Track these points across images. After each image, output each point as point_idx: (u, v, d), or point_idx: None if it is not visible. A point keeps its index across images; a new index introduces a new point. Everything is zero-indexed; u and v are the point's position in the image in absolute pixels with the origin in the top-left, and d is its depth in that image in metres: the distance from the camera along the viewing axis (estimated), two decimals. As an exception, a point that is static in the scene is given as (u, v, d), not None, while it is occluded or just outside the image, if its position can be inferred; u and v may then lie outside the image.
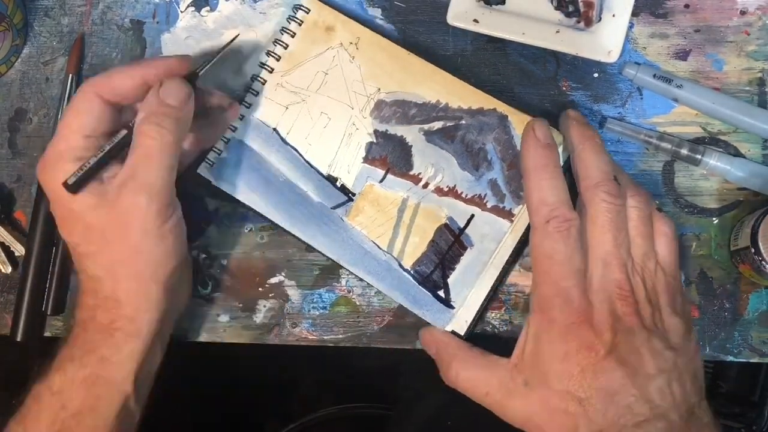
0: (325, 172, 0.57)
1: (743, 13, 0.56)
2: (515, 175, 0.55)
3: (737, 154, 0.55)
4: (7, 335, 0.58)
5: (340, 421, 0.83)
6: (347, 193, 0.56)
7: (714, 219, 0.56)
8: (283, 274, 0.58)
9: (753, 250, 0.50)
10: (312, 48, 0.57)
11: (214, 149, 0.57)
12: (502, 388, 0.49)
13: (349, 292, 0.57)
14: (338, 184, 0.56)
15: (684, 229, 0.56)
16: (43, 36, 0.61)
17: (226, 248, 0.57)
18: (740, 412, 1.05)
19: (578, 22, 0.55)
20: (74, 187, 0.48)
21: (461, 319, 0.55)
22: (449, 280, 0.55)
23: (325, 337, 0.57)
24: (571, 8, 0.54)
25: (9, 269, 0.59)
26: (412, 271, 0.55)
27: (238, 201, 0.57)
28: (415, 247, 0.56)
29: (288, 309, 0.58)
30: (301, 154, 0.57)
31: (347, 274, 0.57)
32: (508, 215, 0.55)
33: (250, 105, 0.57)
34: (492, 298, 0.55)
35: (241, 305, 0.58)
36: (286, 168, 0.57)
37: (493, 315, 0.57)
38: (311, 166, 0.57)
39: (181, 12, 0.60)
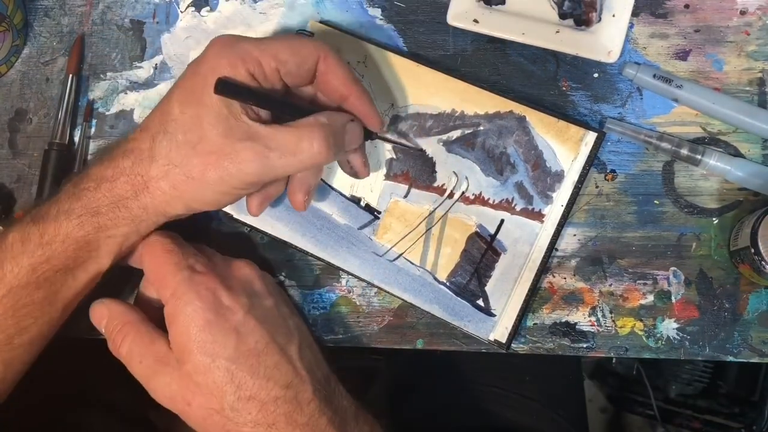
0: (348, 194, 0.56)
1: (743, 13, 0.56)
2: (541, 176, 0.54)
3: (737, 154, 0.55)
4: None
5: None
6: (372, 212, 0.56)
7: (714, 219, 0.56)
8: (283, 274, 0.58)
9: (753, 250, 0.50)
10: None
11: None
12: (156, 363, 0.48)
13: (349, 292, 0.57)
14: (362, 203, 0.56)
15: (684, 229, 0.56)
16: (43, 36, 0.61)
17: (226, 249, 0.57)
18: (740, 412, 1.05)
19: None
20: (220, 89, 0.45)
21: (502, 326, 0.55)
22: (487, 288, 0.55)
23: (326, 337, 0.57)
24: (567, 8, 0.54)
25: (9, 269, 0.59)
26: (447, 283, 0.55)
27: (262, 231, 0.57)
28: (448, 259, 0.55)
29: (288, 309, 0.58)
30: (322, 178, 0.56)
31: (347, 275, 0.57)
32: (538, 216, 0.54)
33: None
34: (530, 302, 0.55)
35: (241, 305, 0.58)
36: None
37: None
38: (333, 188, 0.57)
39: (181, 12, 0.60)
